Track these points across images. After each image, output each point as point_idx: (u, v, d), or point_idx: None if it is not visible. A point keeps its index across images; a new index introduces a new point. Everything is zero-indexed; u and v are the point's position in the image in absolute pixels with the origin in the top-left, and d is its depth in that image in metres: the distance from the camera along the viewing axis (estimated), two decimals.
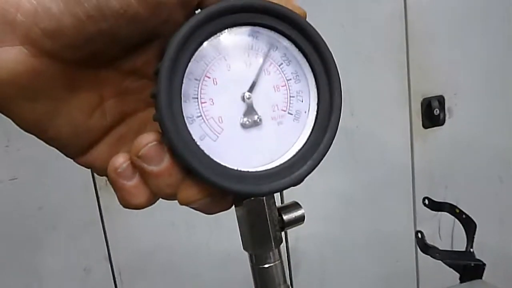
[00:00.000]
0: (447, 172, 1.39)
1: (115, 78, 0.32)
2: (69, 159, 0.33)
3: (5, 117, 0.29)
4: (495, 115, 1.41)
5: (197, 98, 0.29)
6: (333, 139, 0.32)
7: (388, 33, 1.28)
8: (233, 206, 0.33)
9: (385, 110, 1.31)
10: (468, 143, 1.39)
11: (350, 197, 1.32)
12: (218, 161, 0.29)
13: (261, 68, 0.31)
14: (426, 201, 1.04)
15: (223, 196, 0.31)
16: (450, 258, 0.96)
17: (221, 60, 0.30)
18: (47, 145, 0.31)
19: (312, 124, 0.32)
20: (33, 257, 1.09)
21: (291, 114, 0.32)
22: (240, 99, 0.30)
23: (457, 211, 0.98)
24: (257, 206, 0.32)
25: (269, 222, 0.33)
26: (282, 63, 0.32)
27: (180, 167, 0.29)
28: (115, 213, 1.12)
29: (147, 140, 0.29)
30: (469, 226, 0.96)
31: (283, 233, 0.35)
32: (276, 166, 0.31)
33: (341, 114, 0.32)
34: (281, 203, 0.35)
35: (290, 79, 0.32)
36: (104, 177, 0.32)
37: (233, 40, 0.30)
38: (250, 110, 0.30)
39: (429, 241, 0.98)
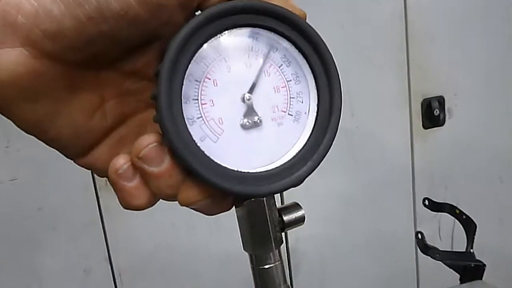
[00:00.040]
0: (447, 172, 1.40)
1: (115, 80, 0.32)
2: (69, 160, 0.33)
3: (5, 118, 0.29)
4: (495, 116, 1.41)
5: (198, 99, 0.29)
6: (333, 140, 0.32)
7: (388, 33, 1.28)
8: (234, 207, 0.33)
9: (385, 110, 1.31)
10: (468, 143, 1.39)
11: (350, 198, 1.32)
12: (218, 162, 0.29)
13: (261, 70, 0.31)
14: (426, 202, 1.04)
15: (224, 197, 0.31)
16: (450, 258, 0.96)
17: (221, 61, 0.30)
18: (47, 146, 0.31)
19: (312, 125, 0.32)
20: (33, 258, 1.09)
21: (291, 115, 0.32)
22: (240, 100, 0.30)
23: (457, 211, 0.98)
24: (258, 207, 0.32)
25: (269, 223, 0.33)
26: (282, 64, 0.32)
27: (180, 168, 0.29)
28: (115, 213, 1.12)
29: (148, 141, 0.29)
30: (469, 226, 0.96)
31: (283, 233, 0.35)
32: (276, 167, 0.31)
33: (341, 114, 0.32)
34: (281, 204, 0.35)
35: (290, 80, 0.32)
36: (104, 178, 0.32)
37: (233, 42, 0.30)
38: (250, 111, 0.31)
39: (429, 241, 0.98)
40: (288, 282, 0.35)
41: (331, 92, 0.32)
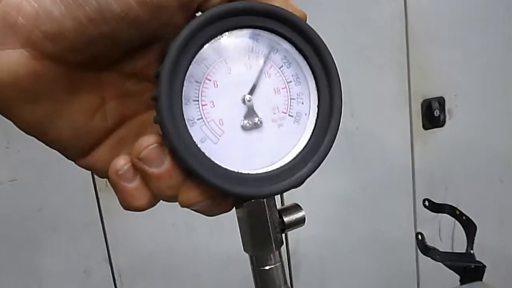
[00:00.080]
0: (447, 173, 1.40)
1: (116, 81, 0.32)
2: (69, 161, 0.33)
3: (5, 118, 0.29)
4: (495, 117, 1.41)
5: (198, 100, 0.29)
6: (334, 141, 0.32)
7: (388, 34, 1.28)
8: (234, 208, 0.33)
9: (385, 111, 1.31)
10: (468, 144, 1.39)
11: (350, 199, 1.32)
12: (218, 163, 0.29)
13: (261, 71, 0.31)
14: (426, 203, 1.04)
15: (224, 198, 0.31)
16: (450, 260, 0.96)
17: (222, 62, 0.30)
18: (47, 147, 0.31)
19: (313, 126, 0.32)
20: (33, 259, 1.09)
21: (292, 116, 0.32)
22: (241, 101, 0.30)
23: (457, 212, 0.98)
24: (258, 208, 0.32)
25: (269, 224, 0.33)
26: (282, 66, 0.32)
27: (181, 169, 0.29)
28: (115, 214, 1.12)
29: (148, 142, 0.29)
30: (469, 227, 0.96)
31: (283, 235, 0.35)
32: (277, 168, 0.31)
33: (341, 115, 0.32)
34: (282, 205, 0.35)
35: (291, 82, 0.32)
36: (104, 179, 0.32)
37: (233, 43, 0.30)
38: (250, 112, 0.31)
39: (429, 242, 0.98)
40: (289, 283, 0.35)
41: (332, 93, 0.32)
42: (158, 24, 0.29)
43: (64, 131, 0.30)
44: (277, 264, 0.34)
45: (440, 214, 1.04)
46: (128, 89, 0.33)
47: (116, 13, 0.27)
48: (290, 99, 0.32)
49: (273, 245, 0.33)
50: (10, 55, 0.27)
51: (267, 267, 0.34)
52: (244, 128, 0.30)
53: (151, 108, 0.32)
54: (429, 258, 0.96)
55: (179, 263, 1.20)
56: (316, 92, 0.32)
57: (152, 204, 0.31)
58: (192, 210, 0.31)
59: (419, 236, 0.98)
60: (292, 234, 1.24)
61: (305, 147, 0.32)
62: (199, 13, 0.30)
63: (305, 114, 0.32)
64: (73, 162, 0.33)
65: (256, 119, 0.31)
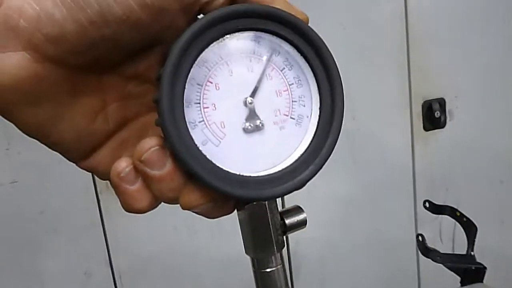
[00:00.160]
0: (448, 174, 1.39)
1: (117, 83, 0.32)
2: (69, 162, 0.33)
3: (6, 120, 0.29)
4: (495, 118, 1.41)
5: (199, 103, 0.29)
6: (335, 144, 0.32)
7: (389, 35, 1.28)
8: (235, 210, 0.33)
9: (386, 112, 1.31)
10: (469, 145, 1.39)
11: (351, 200, 1.32)
12: (220, 166, 0.29)
13: (263, 73, 0.31)
14: (427, 204, 1.03)
15: (225, 201, 0.31)
16: (451, 261, 0.96)
17: (223, 65, 0.30)
18: (47, 149, 0.31)
19: (314, 129, 0.32)
20: (34, 261, 1.09)
21: (293, 118, 0.32)
22: (242, 104, 0.30)
23: (458, 214, 0.98)
24: (259, 210, 0.32)
25: (271, 226, 0.33)
26: (284, 68, 0.32)
27: (182, 172, 0.29)
28: (115, 216, 1.12)
29: (150, 145, 0.29)
30: (470, 229, 0.96)
31: (284, 236, 0.35)
32: (278, 171, 0.31)
33: (343, 118, 0.32)
34: (282, 206, 0.35)
35: (292, 84, 0.32)
36: (106, 181, 0.32)
37: (235, 45, 0.30)
38: (252, 115, 0.31)
39: (430, 244, 0.98)
40: (290, 286, 0.35)
41: (333, 95, 0.32)
42: (160, 27, 0.29)
43: (66, 134, 0.30)
44: (279, 266, 0.34)
45: (440, 215, 1.03)
46: (129, 91, 0.33)
47: (118, 16, 0.27)
48: (292, 101, 0.32)
49: (275, 247, 0.33)
50: (12, 58, 0.27)
51: (268, 270, 0.34)
52: (245, 130, 0.30)
53: (152, 110, 0.32)
54: (429, 259, 0.96)
55: (180, 265, 1.20)
56: (318, 94, 0.32)
57: (153, 206, 0.31)
58: (194, 212, 0.31)
59: (420, 238, 0.98)
60: (292, 235, 1.24)
61: (306, 149, 0.32)
62: (200, 16, 0.30)
63: (307, 117, 0.32)
64: (74, 164, 0.33)
65: (258, 122, 0.31)
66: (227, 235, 1.16)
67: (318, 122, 0.32)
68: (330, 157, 0.32)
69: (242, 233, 0.34)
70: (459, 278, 0.95)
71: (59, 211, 1.08)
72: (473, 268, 0.94)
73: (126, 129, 0.33)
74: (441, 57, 1.32)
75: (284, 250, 0.35)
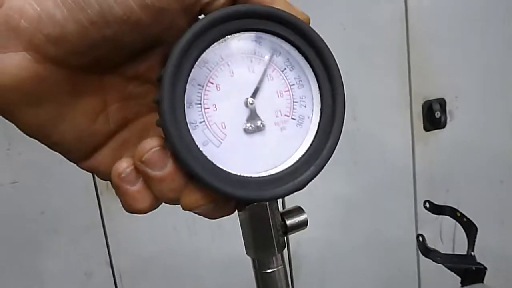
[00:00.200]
0: (448, 175, 1.39)
1: (118, 84, 0.32)
2: (70, 163, 0.33)
3: (6, 121, 0.29)
4: (496, 118, 1.41)
5: (200, 104, 0.29)
6: (336, 145, 0.32)
7: (389, 36, 1.28)
8: (236, 211, 0.33)
9: (386, 113, 1.31)
10: (469, 146, 1.39)
11: (351, 201, 1.32)
12: (221, 166, 0.29)
13: (264, 74, 0.31)
14: (427, 205, 1.03)
15: (226, 202, 0.31)
16: (451, 261, 0.96)
17: (224, 66, 0.30)
18: (48, 149, 0.31)
19: (315, 129, 0.32)
20: (34, 261, 1.09)
21: (294, 119, 0.32)
22: (243, 104, 0.30)
23: (458, 214, 0.98)
24: (260, 211, 0.32)
25: (272, 227, 0.33)
26: (285, 69, 0.32)
27: (183, 172, 0.29)
28: (116, 216, 1.12)
29: (151, 145, 0.29)
30: (470, 229, 0.96)
31: (285, 237, 0.35)
32: (279, 172, 0.31)
33: (344, 119, 0.32)
34: (283, 206, 0.35)
35: (293, 84, 0.32)
36: (106, 181, 0.32)
37: (236, 46, 0.30)
38: (253, 115, 0.30)
39: (430, 244, 0.98)
40: (290, 286, 0.35)
41: (334, 96, 0.32)
42: (161, 28, 0.29)
43: (67, 134, 0.30)
44: (279, 267, 0.34)
45: (441, 215, 1.03)
46: (130, 91, 0.33)
47: (118, 16, 0.27)
48: (293, 102, 0.32)
49: (275, 248, 0.33)
50: (13, 59, 0.27)
51: (269, 270, 0.34)
52: (246, 131, 0.30)
53: (153, 111, 0.33)
54: (430, 260, 0.96)
55: (180, 265, 1.20)
56: (319, 95, 0.32)
57: (154, 206, 0.31)
58: (194, 213, 0.31)
59: (420, 238, 0.98)
60: (292, 236, 1.24)
61: (307, 150, 0.32)
62: (201, 16, 0.30)
63: (308, 117, 0.32)
64: (74, 165, 0.33)
65: (259, 122, 0.31)
66: (227, 235, 1.16)
67: (319, 123, 0.32)
68: (331, 157, 0.32)
69: (243, 233, 0.34)
70: (459, 279, 0.95)
71: (60, 211, 1.08)
72: (474, 268, 0.94)
73: (127, 130, 0.33)
74: (441, 57, 1.32)
75: (285, 250, 0.35)
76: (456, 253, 1.01)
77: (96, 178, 1.02)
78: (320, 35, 0.31)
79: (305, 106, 0.32)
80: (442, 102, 1.34)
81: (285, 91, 0.32)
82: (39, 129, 0.30)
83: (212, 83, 0.30)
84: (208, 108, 0.29)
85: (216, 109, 0.30)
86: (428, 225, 1.36)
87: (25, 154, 1.03)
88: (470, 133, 1.39)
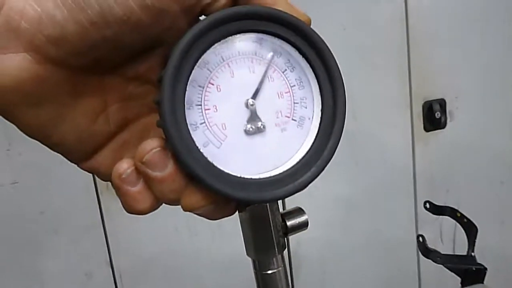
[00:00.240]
0: (448, 175, 1.39)
1: (119, 84, 0.32)
2: (70, 163, 0.33)
3: (6, 121, 0.29)
4: (496, 118, 1.41)
5: (201, 105, 0.29)
6: (337, 146, 0.32)
7: (389, 36, 1.28)
8: (237, 212, 0.33)
9: (386, 113, 1.31)
10: (469, 146, 1.39)
11: (352, 201, 1.32)
12: (221, 168, 0.29)
13: (264, 75, 0.31)
14: (427, 205, 1.03)
15: (227, 203, 0.31)
16: (451, 262, 0.95)
17: (225, 67, 0.30)
18: (48, 150, 0.31)
19: (316, 131, 0.32)
20: (34, 261, 1.09)
21: (295, 120, 0.32)
22: (244, 105, 0.30)
23: (458, 215, 0.98)
24: (261, 212, 0.32)
25: (272, 228, 0.33)
26: (286, 70, 0.31)
27: (184, 173, 0.29)
28: (116, 217, 1.12)
29: (151, 146, 0.29)
30: (471, 230, 0.96)
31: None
32: (280, 173, 0.31)
33: (345, 120, 0.32)
34: (283, 206, 0.35)
35: (294, 86, 0.32)
36: (107, 182, 0.32)
37: (236, 47, 0.30)
38: (253, 116, 0.30)
39: (431, 245, 0.98)
40: (291, 287, 0.35)
41: (335, 97, 0.32)
42: (161, 28, 0.29)
43: (67, 135, 0.30)
44: (280, 268, 0.34)
45: (441, 216, 1.03)
46: (131, 92, 0.33)
47: (118, 17, 0.27)
48: (294, 103, 0.32)
49: (276, 249, 0.33)
50: (13, 59, 0.27)
51: (269, 271, 0.34)
52: (247, 132, 0.30)
53: (154, 111, 0.33)
54: (430, 260, 0.96)
55: (180, 266, 1.20)
56: (319, 96, 0.32)
57: (154, 207, 0.31)
58: (195, 214, 0.31)
59: (420, 238, 0.98)
60: (292, 236, 1.24)
61: (308, 151, 0.31)
62: (202, 17, 0.30)
63: (309, 119, 0.32)
64: (75, 165, 0.33)
65: (259, 124, 0.31)
66: (228, 236, 1.16)
67: (320, 124, 0.32)
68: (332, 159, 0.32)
69: (243, 234, 0.34)
70: (459, 279, 0.95)
71: (60, 212, 1.08)
72: (474, 269, 0.94)
73: (127, 130, 0.33)
74: (441, 57, 1.32)
75: (285, 250, 0.35)
76: (456, 253, 1.01)
77: (96, 178, 1.02)
78: (321, 35, 0.31)
79: (306, 107, 0.32)
80: (442, 103, 1.34)
81: (286, 92, 0.31)
82: (39, 129, 0.30)
83: (213, 84, 0.29)
84: (208, 109, 0.29)
85: (216, 110, 0.29)
86: (428, 226, 1.36)
87: (25, 155, 1.03)
88: (470, 134, 1.39)
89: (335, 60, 0.32)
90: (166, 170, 0.29)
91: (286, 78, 0.32)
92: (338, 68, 0.32)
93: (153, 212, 0.31)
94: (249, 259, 0.35)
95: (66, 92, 0.29)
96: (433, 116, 1.33)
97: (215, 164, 0.29)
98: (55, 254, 1.10)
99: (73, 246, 1.11)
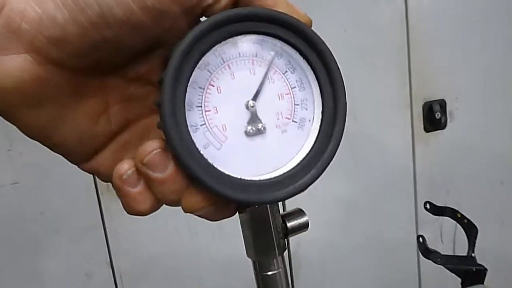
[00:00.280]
0: (449, 175, 1.39)
1: (119, 85, 0.32)
2: (70, 164, 0.33)
3: (7, 122, 0.29)
4: (496, 119, 1.41)
5: (201, 106, 0.29)
6: (338, 148, 0.32)
7: (390, 37, 1.28)
8: (237, 213, 0.33)
9: (386, 114, 1.31)
10: (469, 146, 1.39)
11: (352, 202, 1.32)
12: (221, 169, 0.29)
13: (265, 76, 0.31)
14: (428, 206, 1.03)
15: (227, 204, 0.31)
16: (452, 263, 0.95)
17: (225, 68, 0.30)
18: (49, 150, 0.31)
19: (317, 132, 0.32)
20: (35, 261, 1.09)
21: (296, 122, 0.32)
22: (244, 107, 0.30)
23: (459, 215, 0.98)
24: (261, 213, 0.32)
25: (272, 229, 0.33)
26: (286, 71, 0.31)
27: (184, 174, 0.29)
28: (117, 217, 1.12)
29: (152, 147, 0.29)
30: (471, 230, 0.95)
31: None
32: (280, 175, 0.31)
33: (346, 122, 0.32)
34: (283, 207, 0.35)
35: (295, 87, 0.32)
36: (108, 182, 0.32)
37: (237, 49, 0.30)
38: (254, 118, 0.30)
39: (431, 245, 0.98)
40: None
41: (336, 99, 0.32)
42: (161, 29, 0.29)
43: (68, 136, 0.30)
44: (280, 269, 0.34)
45: (441, 217, 1.03)
46: (131, 93, 0.33)
47: (118, 17, 0.27)
48: (294, 104, 0.32)
49: (276, 250, 0.33)
50: (14, 61, 0.27)
51: (270, 273, 0.34)
52: (247, 134, 0.30)
53: (155, 112, 0.33)
54: (430, 261, 0.96)
55: (180, 266, 1.20)
56: (320, 98, 0.32)
57: (155, 208, 0.31)
58: (195, 215, 0.31)
59: (421, 239, 0.98)
60: (292, 237, 1.24)
61: (308, 153, 0.31)
62: (203, 18, 0.30)
63: (309, 120, 0.32)
64: (75, 166, 0.33)
65: (260, 125, 0.31)
66: (228, 237, 1.16)
67: (320, 126, 0.32)
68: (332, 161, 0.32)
69: (243, 235, 0.34)
70: (459, 280, 0.95)
71: (60, 212, 1.08)
72: (474, 269, 0.94)
73: (128, 131, 0.33)
74: (441, 58, 1.32)
75: (285, 251, 0.35)
76: (456, 254, 1.01)
77: (97, 179, 1.02)
78: (321, 36, 0.31)
79: (307, 109, 0.32)
80: (442, 103, 1.34)
81: (286, 94, 0.31)
82: (40, 131, 0.30)
83: (213, 86, 0.29)
84: (209, 110, 0.29)
85: (217, 111, 0.29)
86: (428, 226, 1.36)
87: (26, 155, 1.03)
88: (470, 134, 1.39)
89: (335, 61, 0.32)
90: (167, 171, 0.29)
91: (287, 80, 0.31)
92: (339, 70, 0.32)
93: (153, 213, 0.31)
94: (249, 260, 0.35)
95: (67, 93, 0.29)
96: (433, 116, 1.33)
97: (216, 165, 0.29)
98: (56, 254, 1.10)
99: (73, 246, 1.11)
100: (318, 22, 0.39)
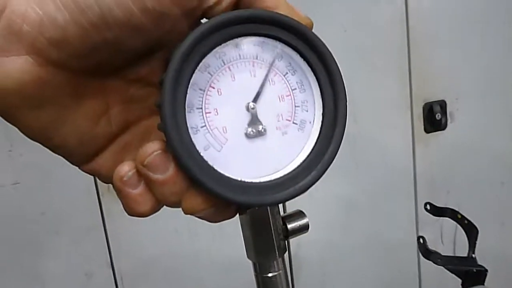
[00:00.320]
0: (449, 176, 1.39)
1: (120, 87, 0.32)
2: (71, 165, 0.33)
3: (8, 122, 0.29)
4: (496, 120, 1.41)
5: (202, 108, 0.29)
6: (338, 150, 0.32)
7: (390, 38, 1.28)
8: (237, 214, 0.33)
9: (386, 115, 1.31)
10: (470, 147, 1.39)
11: (352, 203, 1.32)
12: (222, 171, 0.29)
13: (266, 78, 0.31)
14: (428, 206, 1.03)
15: (227, 206, 0.31)
16: (452, 263, 0.95)
17: (226, 70, 0.30)
18: (50, 151, 0.31)
19: (317, 134, 0.32)
20: (35, 262, 1.09)
21: (296, 124, 0.32)
22: (245, 109, 0.30)
23: (459, 216, 0.98)
24: (261, 215, 0.32)
25: (273, 231, 0.33)
26: (287, 73, 0.31)
27: (185, 176, 0.29)
28: (117, 218, 1.12)
29: (153, 149, 0.29)
30: (471, 231, 0.95)
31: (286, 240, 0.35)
32: (281, 177, 0.31)
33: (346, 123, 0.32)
34: (283, 208, 0.35)
35: (295, 89, 0.32)
36: (108, 184, 0.32)
37: (238, 51, 0.30)
38: (254, 120, 0.30)
39: (431, 246, 0.98)
40: None
41: (336, 101, 0.32)
42: (162, 31, 0.29)
43: (69, 137, 0.30)
44: (280, 271, 0.34)
45: (441, 217, 1.03)
46: (132, 94, 0.33)
47: (119, 19, 0.27)
48: (295, 106, 0.31)
49: (276, 252, 0.33)
50: (15, 62, 0.27)
51: (270, 274, 0.34)
52: (247, 136, 0.30)
53: (155, 114, 0.33)
54: (430, 261, 0.96)
55: (181, 267, 1.20)
56: (320, 99, 0.32)
57: (155, 210, 0.31)
58: (196, 216, 0.31)
59: (421, 240, 0.98)
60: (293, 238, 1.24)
61: (309, 155, 0.31)
62: (204, 20, 0.30)
63: (310, 122, 0.32)
64: (77, 168, 0.33)
65: (260, 127, 0.31)
66: (228, 238, 1.16)
67: (321, 128, 0.32)
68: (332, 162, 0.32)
69: (244, 237, 0.34)
70: (460, 281, 0.95)
71: (61, 213, 1.08)
72: (474, 270, 0.94)
73: (128, 133, 0.33)
74: (441, 59, 1.32)
75: (285, 253, 0.35)
76: (456, 255, 1.01)
77: (97, 180, 1.02)
78: (321, 37, 0.31)
79: (307, 111, 0.32)
80: (442, 104, 1.34)
81: (287, 96, 0.31)
82: (41, 132, 0.30)
83: (214, 88, 0.29)
84: (209, 112, 0.29)
85: (217, 113, 0.29)
86: (428, 227, 1.36)
87: (27, 156, 1.04)
88: (470, 135, 1.39)
89: (336, 63, 0.32)
90: (167, 173, 0.29)
91: (287, 82, 0.31)
92: (340, 72, 0.32)
93: (153, 214, 0.31)
94: (250, 262, 0.35)
95: (68, 94, 0.29)
96: (434, 117, 1.33)
97: (216, 167, 0.29)
98: (56, 255, 1.10)
99: (74, 247, 1.11)
100: (318, 22, 0.38)
